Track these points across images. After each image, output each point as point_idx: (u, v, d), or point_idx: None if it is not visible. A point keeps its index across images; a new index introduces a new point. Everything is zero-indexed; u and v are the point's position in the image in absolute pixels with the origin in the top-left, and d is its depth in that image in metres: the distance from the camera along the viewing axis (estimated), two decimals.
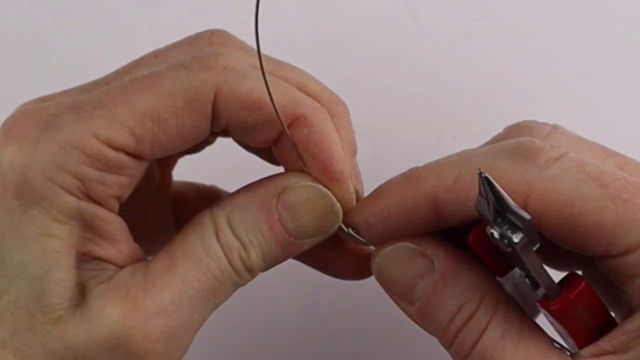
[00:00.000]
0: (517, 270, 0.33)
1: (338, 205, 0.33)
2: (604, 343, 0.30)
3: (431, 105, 0.47)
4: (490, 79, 0.48)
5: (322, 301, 0.47)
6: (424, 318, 0.32)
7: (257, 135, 0.32)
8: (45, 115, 0.31)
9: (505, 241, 0.30)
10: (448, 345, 0.32)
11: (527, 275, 0.33)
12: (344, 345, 0.47)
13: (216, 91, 0.31)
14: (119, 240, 0.32)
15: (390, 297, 0.33)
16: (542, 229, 0.31)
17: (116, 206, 0.32)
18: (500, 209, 0.29)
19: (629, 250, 0.30)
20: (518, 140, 0.32)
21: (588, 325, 0.32)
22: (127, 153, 0.31)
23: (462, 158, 0.32)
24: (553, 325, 0.32)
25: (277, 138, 0.33)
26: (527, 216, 0.29)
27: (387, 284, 0.33)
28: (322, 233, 0.33)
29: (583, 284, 0.32)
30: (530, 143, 0.31)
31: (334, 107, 0.34)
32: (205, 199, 0.38)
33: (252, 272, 0.32)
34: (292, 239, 0.32)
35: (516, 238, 0.29)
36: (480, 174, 0.29)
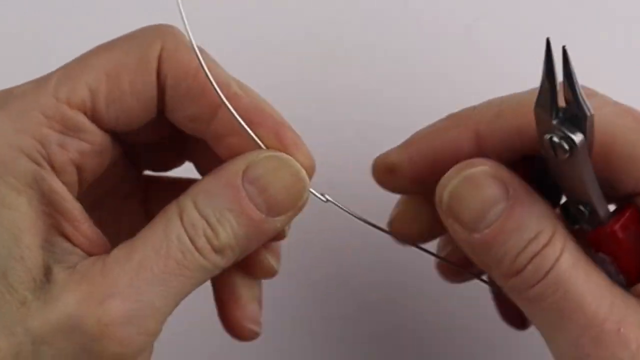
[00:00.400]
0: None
1: (303, 171, 0.32)
2: None
3: (431, 105, 0.47)
4: (490, 78, 0.48)
5: (322, 302, 0.47)
6: (488, 247, 0.32)
7: (195, 107, 0.33)
8: (4, 91, 0.32)
9: (565, 145, 0.29)
10: (514, 273, 0.31)
11: (578, 202, 0.32)
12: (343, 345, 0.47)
13: (161, 53, 0.32)
14: (78, 221, 0.31)
15: (450, 226, 0.32)
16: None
17: (74, 178, 0.32)
18: (571, 90, 0.29)
19: None
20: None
21: (637, 259, 0.32)
22: (85, 114, 0.31)
23: (503, 97, 0.33)
24: (602, 265, 0.32)
25: (214, 113, 0.33)
26: (591, 110, 0.29)
27: (457, 209, 0.32)
28: (293, 205, 0.32)
29: (629, 211, 0.32)
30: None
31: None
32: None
33: (222, 253, 0.31)
34: (264, 215, 0.31)
35: (577, 138, 0.29)
36: (563, 47, 0.29)
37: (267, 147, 0.32)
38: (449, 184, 0.32)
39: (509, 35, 0.49)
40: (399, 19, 0.48)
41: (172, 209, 0.32)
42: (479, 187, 0.31)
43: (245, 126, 0.32)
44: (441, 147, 0.33)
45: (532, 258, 0.31)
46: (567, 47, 0.29)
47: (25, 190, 0.30)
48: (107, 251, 0.32)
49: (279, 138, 0.32)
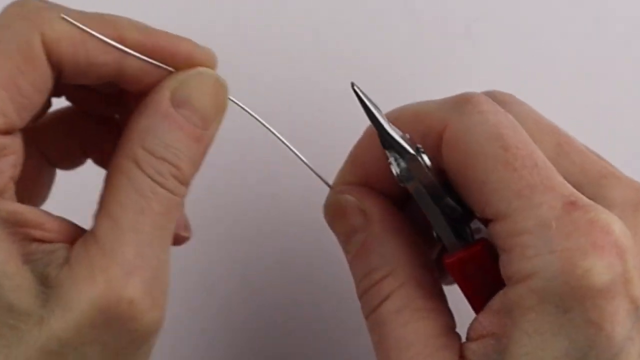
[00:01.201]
0: None
1: (219, 76, 0.33)
2: (482, 319, 0.31)
3: None
4: (490, 78, 0.48)
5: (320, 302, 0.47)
6: (351, 269, 0.34)
7: (96, 68, 0.32)
8: None
9: (398, 179, 0.31)
10: (359, 299, 0.34)
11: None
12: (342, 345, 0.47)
13: (42, 37, 0.31)
14: (41, 222, 0.31)
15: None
16: (448, 176, 0.32)
17: (13, 186, 0.31)
18: (376, 127, 0.31)
19: (497, 218, 0.31)
20: (466, 92, 0.33)
21: (484, 291, 0.32)
22: (1, 133, 0.31)
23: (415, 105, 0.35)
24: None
25: (118, 61, 0.32)
26: (410, 150, 0.31)
27: (333, 229, 0.35)
28: (221, 109, 0.33)
29: (480, 245, 0.32)
30: (471, 95, 0.33)
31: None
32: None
33: (187, 184, 0.33)
34: (203, 130, 0.33)
35: (400, 170, 0.31)
36: (351, 84, 0.31)
37: (177, 69, 0.33)
38: (324, 207, 0.36)
39: (509, 35, 0.49)
40: (399, 19, 0.48)
41: (125, 164, 0.32)
42: (344, 216, 0.35)
43: (149, 59, 0.33)
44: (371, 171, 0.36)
45: (363, 294, 0.34)
46: (355, 87, 0.32)
47: None
48: (78, 230, 0.32)
49: (179, 56, 0.33)
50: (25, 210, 0.31)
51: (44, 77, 0.31)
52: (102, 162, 0.39)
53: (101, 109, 0.38)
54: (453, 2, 0.49)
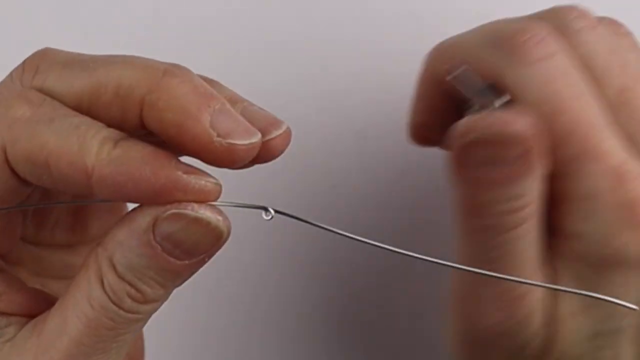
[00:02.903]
0: None
1: (214, 218, 0.29)
2: None
3: None
4: None
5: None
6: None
7: (64, 188, 0.29)
8: None
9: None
10: None
11: None
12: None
13: (4, 151, 0.29)
14: (5, 293, 0.31)
15: None
16: None
17: None
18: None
19: (554, 176, 0.33)
20: (516, 28, 0.34)
21: None
22: None
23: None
24: None
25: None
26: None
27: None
28: (216, 244, 0.29)
29: None
30: (524, 36, 0.33)
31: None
32: None
33: (154, 303, 0.30)
34: (186, 261, 0.29)
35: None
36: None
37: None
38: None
39: None
40: (398, 19, 0.48)
41: (91, 267, 0.30)
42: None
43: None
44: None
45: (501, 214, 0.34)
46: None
47: None
48: (47, 302, 0.31)
49: (162, 196, 0.28)
50: None
51: (5, 186, 0.29)
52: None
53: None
54: (453, 2, 0.49)
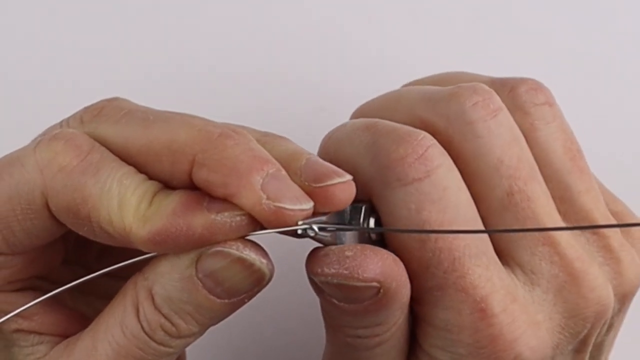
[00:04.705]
0: None
1: (259, 262, 0.29)
2: None
3: None
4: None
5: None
6: None
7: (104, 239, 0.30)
8: None
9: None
10: None
11: None
12: None
13: (46, 196, 0.29)
14: (36, 315, 0.31)
15: None
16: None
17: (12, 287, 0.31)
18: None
19: (414, 301, 0.32)
20: (398, 138, 0.31)
21: None
22: None
23: None
24: None
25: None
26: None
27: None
28: (257, 286, 0.29)
29: None
30: (394, 151, 0.31)
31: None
32: None
33: (187, 338, 0.30)
34: (226, 300, 0.29)
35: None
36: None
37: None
38: None
39: (509, 34, 0.49)
40: (397, 19, 0.48)
41: (129, 294, 0.30)
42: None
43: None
44: None
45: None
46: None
47: None
48: (83, 322, 0.31)
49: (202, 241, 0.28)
50: (18, 318, 0.31)
51: (42, 229, 0.30)
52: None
53: None
54: (453, 2, 0.49)
